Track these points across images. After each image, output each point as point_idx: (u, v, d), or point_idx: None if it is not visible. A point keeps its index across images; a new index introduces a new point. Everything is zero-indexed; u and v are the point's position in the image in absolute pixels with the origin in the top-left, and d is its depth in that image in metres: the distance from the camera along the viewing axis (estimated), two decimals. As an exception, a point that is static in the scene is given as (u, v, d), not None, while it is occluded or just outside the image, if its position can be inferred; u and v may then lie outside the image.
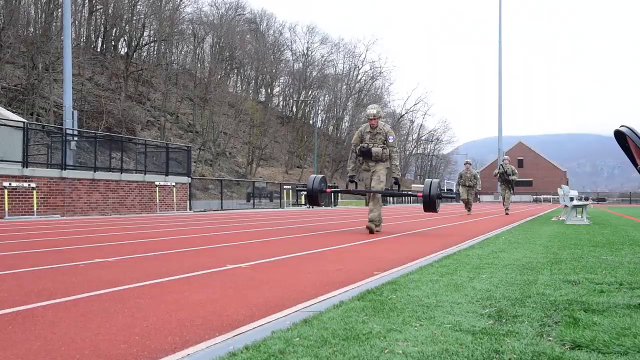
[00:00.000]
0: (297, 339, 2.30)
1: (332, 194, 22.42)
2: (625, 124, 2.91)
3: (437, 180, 9.25)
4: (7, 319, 2.73)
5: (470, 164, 18.93)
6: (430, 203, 8.85)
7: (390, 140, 8.96)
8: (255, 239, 7.75)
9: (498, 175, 19.04)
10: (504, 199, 19.39)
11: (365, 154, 9.00)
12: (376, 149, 8.91)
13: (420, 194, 8.99)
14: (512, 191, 19.37)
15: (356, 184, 9.57)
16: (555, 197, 59.77)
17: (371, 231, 8.68)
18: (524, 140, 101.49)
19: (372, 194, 8.99)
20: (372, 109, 8.97)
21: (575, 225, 11.20)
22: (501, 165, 18.92)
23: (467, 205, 18.61)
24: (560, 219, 14.15)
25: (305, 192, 10.58)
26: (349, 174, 9.41)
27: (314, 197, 9.43)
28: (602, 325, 2.54)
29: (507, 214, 18.79)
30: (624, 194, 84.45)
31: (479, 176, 18.97)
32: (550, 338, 2.34)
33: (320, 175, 9.76)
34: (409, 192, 10.74)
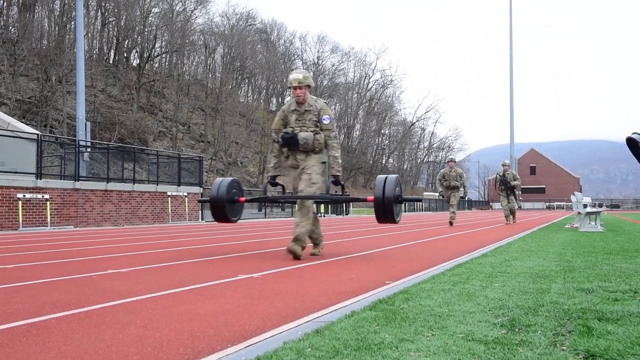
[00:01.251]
0: (309, 349, 2.30)
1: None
2: (637, 131, 2.89)
3: (395, 175, 6.33)
4: (21, 331, 2.75)
5: (455, 162, 16.39)
6: (385, 210, 6.04)
7: (326, 122, 6.26)
8: (267, 249, 7.75)
9: (497, 183, 17.05)
10: (507, 213, 16.99)
11: (290, 143, 6.28)
12: (305, 135, 6.21)
13: (372, 198, 6.25)
14: (517, 200, 17.40)
15: (283, 188, 7.05)
16: (569, 204, 59.43)
17: (296, 256, 6.04)
18: (536, 147, 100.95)
19: (300, 200, 6.25)
20: (296, 74, 6.27)
21: (589, 233, 11.11)
22: (498, 174, 17.17)
23: (452, 214, 15.74)
24: (574, 226, 14.05)
25: (207, 202, 7.29)
26: (269, 173, 6.68)
27: (219, 209, 6.79)
28: (616, 334, 2.52)
29: (508, 222, 16.91)
30: (638, 201, 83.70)
31: (465, 176, 16.54)
32: (564, 347, 2.33)
33: (230, 179, 7.05)
34: (356, 197, 7.79)
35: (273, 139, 6.56)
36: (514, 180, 16.78)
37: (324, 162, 6.37)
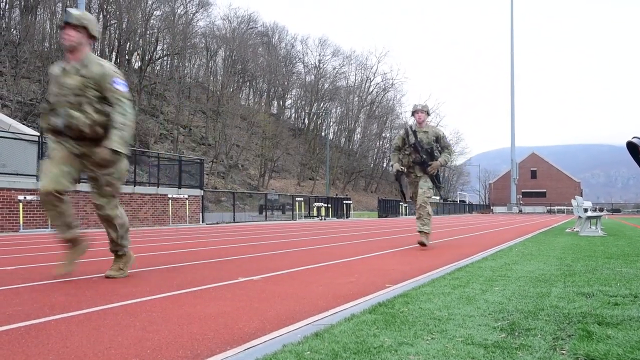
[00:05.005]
0: (308, 352, 2.30)
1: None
2: (637, 135, 2.89)
3: None
4: (20, 333, 2.75)
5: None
6: None
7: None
8: (267, 252, 7.75)
9: (408, 147, 8.34)
10: (420, 213, 8.29)
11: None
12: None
13: None
14: (437, 185, 8.50)
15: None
16: (569, 208, 59.41)
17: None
18: (537, 151, 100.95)
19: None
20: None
21: (590, 237, 11.10)
22: (407, 127, 8.52)
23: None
24: (574, 230, 14.04)
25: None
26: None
27: None
28: (616, 339, 2.51)
29: (420, 243, 8.33)
30: (639, 205, 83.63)
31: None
32: (564, 352, 2.32)
33: None
34: None
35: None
36: (439, 148, 8.41)
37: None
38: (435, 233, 13.67)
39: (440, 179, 8.71)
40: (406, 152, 8.38)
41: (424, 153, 8.25)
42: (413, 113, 8.53)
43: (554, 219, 34.07)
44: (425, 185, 8.29)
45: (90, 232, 14.29)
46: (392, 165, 9.64)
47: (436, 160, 8.30)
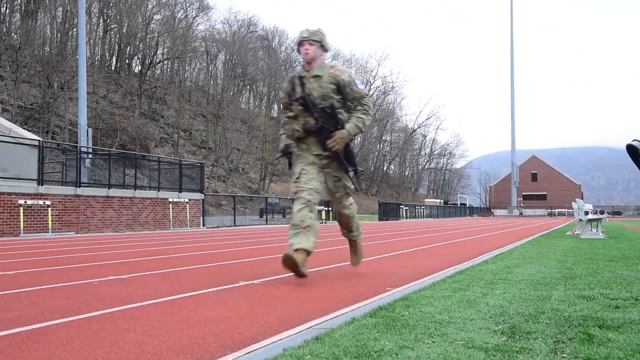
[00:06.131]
0: (309, 356, 2.29)
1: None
2: (637, 138, 2.89)
3: None
4: (21, 338, 2.75)
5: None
6: None
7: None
8: (267, 255, 7.75)
9: (296, 105, 4.92)
10: (298, 217, 4.72)
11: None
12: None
13: None
14: (351, 170, 5.01)
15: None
16: (570, 211, 59.36)
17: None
18: (538, 154, 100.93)
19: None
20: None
21: (590, 240, 11.09)
22: (290, 79, 5.06)
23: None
24: (575, 233, 14.03)
25: None
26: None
27: None
28: (617, 342, 2.51)
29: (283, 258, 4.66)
30: (639, 207, 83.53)
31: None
32: (565, 355, 2.32)
33: None
34: None
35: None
36: (347, 106, 4.99)
37: None
38: (435, 236, 13.65)
39: (355, 158, 5.07)
40: (292, 115, 4.98)
41: (318, 114, 4.81)
42: (298, 47, 4.97)
43: (555, 221, 34.04)
44: (341, 182, 5.06)
45: (91, 237, 14.28)
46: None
47: (342, 127, 4.83)
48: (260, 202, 32.70)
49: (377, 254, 8.01)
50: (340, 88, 4.86)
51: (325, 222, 29.03)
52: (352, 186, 5.17)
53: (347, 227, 5.51)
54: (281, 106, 5.50)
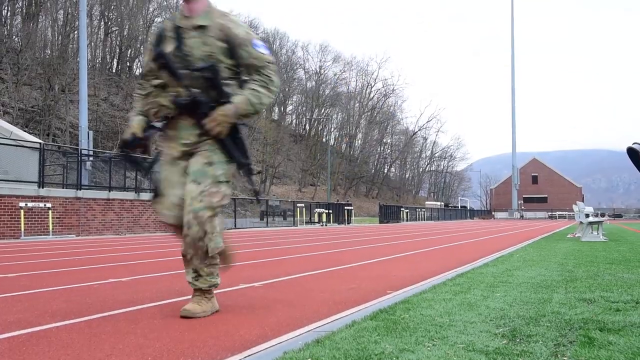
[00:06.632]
0: (309, 359, 2.29)
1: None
2: (638, 141, 2.89)
3: None
4: (21, 340, 2.75)
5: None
6: None
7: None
8: (268, 258, 7.75)
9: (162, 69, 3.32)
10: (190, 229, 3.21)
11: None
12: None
13: None
14: (237, 163, 3.51)
15: None
16: (571, 213, 59.21)
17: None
18: (539, 157, 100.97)
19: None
20: None
21: (591, 242, 11.08)
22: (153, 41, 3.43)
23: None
24: (576, 235, 14.01)
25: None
26: None
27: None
28: (617, 345, 2.51)
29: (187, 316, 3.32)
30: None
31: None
32: (565, 358, 2.32)
33: None
34: None
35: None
36: (237, 71, 3.35)
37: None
38: (436, 239, 13.63)
39: (247, 149, 3.59)
40: (158, 84, 3.43)
41: (190, 81, 3.28)
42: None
43: (556, 224, 34.02)
44: (205, 171, 3.32)
45: (92, 239, 14.28)
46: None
47: (228, 101, 3.27)
48: (261, 205, 32.68)
49: (377, 256, 8.00)
50: (235, 46, 3.27)
51: (326, 225, 29.03)
52: (254, 187, 3.85)
53: (194, 262, 3.30)
54: (142, 71, 3.65)
